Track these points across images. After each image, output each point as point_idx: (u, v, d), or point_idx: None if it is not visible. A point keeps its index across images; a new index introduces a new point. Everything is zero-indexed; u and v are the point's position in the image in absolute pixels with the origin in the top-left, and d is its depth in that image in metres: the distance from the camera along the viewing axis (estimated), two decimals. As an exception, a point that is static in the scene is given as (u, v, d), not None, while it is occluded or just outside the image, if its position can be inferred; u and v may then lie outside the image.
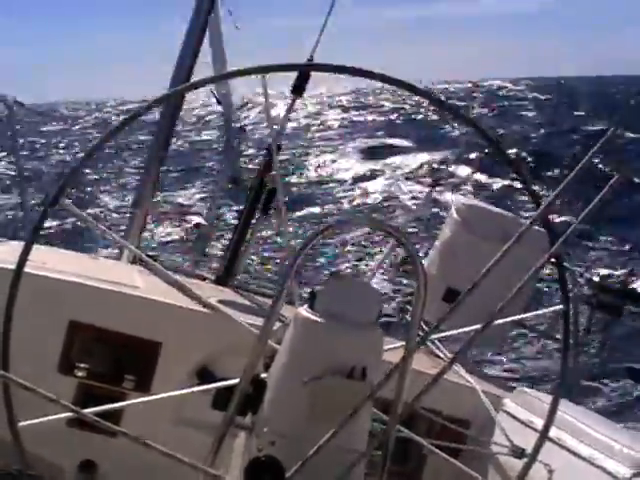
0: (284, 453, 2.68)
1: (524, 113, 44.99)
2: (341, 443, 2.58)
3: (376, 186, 27.25)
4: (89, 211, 21.44)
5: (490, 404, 4.46)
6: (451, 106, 3.03)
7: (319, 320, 2.71)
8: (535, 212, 2.64)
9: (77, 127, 50.78)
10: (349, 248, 18.15)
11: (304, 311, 2.76)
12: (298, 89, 5.84)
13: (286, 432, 2.71)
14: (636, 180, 23.38)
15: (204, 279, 6.16)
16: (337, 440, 2.34)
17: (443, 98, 3.06)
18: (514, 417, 4.44)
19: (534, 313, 3.86)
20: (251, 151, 15.23)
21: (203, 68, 6.58)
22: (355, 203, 25.25)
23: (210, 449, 2.76)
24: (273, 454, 2.69)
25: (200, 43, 6.50)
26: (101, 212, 22.65)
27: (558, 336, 5.26)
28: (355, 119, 46.38)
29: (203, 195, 23.40)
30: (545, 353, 12.18)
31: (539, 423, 3.18)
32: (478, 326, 2.68)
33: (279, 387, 2.76)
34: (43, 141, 41.67)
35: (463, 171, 21.67)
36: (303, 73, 5.59)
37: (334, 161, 32.40)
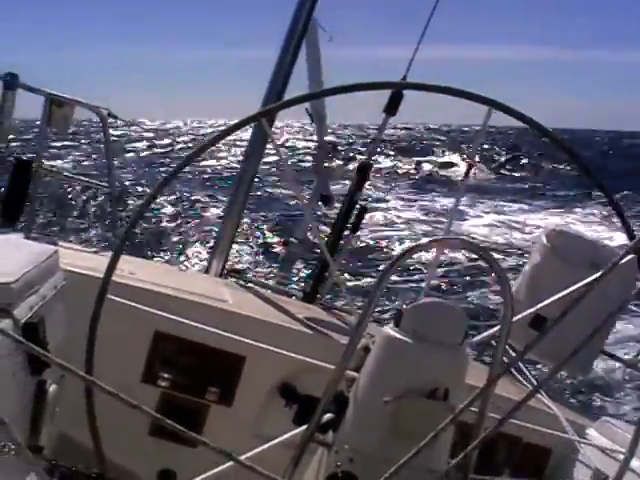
0: (362, 471, 2.70)
1: None
2: (420, 464, 2.56)
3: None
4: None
5: (573, 433, 4.39)
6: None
7: (405, 339, 2.72)
8: (629, 243, 2.59)
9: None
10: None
11: (390, 330, 2.77)
12: (391, 108, 5.83)
13: (365, 450, 2.72)
14: None
15: (291, 296, 6.20)
16: (416, 460, 2.34)
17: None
18: (597, 447, 4.36)
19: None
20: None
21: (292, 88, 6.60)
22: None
23: (289, 463, 2.79)
24: (351, 471, 2.71)
25: (293, 64, 6.53)
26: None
27: None
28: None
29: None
30: (631, 383, 11.93)
31: (622, 454, 3.13)
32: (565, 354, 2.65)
33: (361, 405, 2.78)
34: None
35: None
36: (397, 92, 5.57)
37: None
